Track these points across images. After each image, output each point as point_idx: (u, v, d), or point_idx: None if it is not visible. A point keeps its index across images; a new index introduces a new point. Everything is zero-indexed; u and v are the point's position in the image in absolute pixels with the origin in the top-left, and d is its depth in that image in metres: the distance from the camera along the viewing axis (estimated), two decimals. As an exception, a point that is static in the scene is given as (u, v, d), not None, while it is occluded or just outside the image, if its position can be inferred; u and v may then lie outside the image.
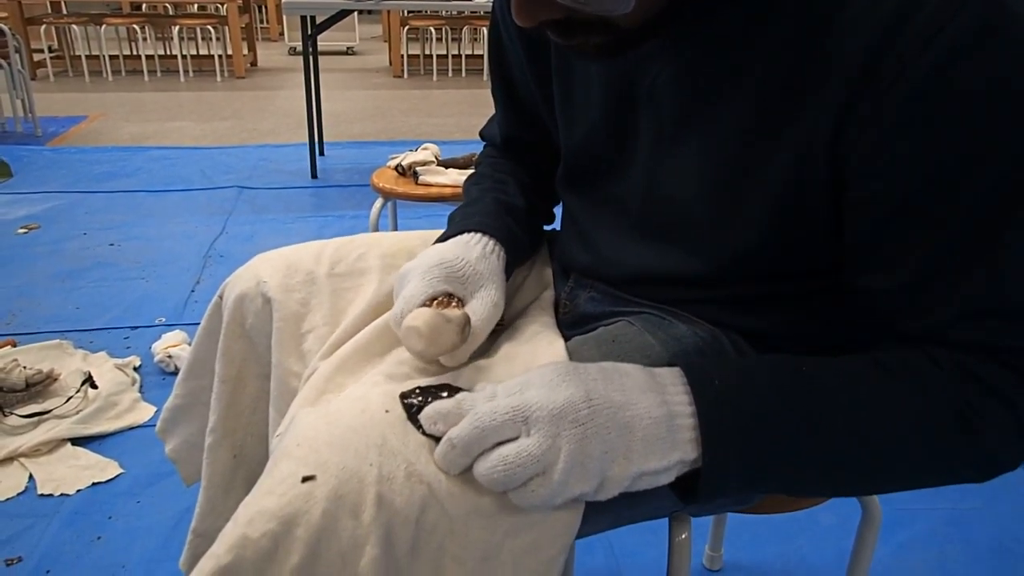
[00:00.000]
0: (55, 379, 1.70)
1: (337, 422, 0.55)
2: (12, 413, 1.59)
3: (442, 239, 0.75)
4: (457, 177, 1.92)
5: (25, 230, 2.74)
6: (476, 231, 0.74)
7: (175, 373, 1.78)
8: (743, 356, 0.68)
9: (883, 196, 0.54)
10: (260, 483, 0.52)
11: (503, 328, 0.77)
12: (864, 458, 0.55)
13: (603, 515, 0.61)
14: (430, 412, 0.55)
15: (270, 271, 0.81)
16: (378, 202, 1.96)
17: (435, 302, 0.66)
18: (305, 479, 0.50)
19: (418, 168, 1.95)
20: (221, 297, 0.84)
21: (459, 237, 0.74)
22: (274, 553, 0.49)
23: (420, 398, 0.57)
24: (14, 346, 1.87)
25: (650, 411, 0.52)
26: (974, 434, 0.54)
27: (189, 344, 1.85)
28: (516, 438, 0.51)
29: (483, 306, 0.67)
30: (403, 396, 0.58)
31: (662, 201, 0.68)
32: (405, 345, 0.64)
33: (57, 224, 2.81)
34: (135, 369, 1.83)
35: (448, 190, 1.88)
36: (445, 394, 0.57)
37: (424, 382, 0.60)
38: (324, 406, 0.60)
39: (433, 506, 0.52)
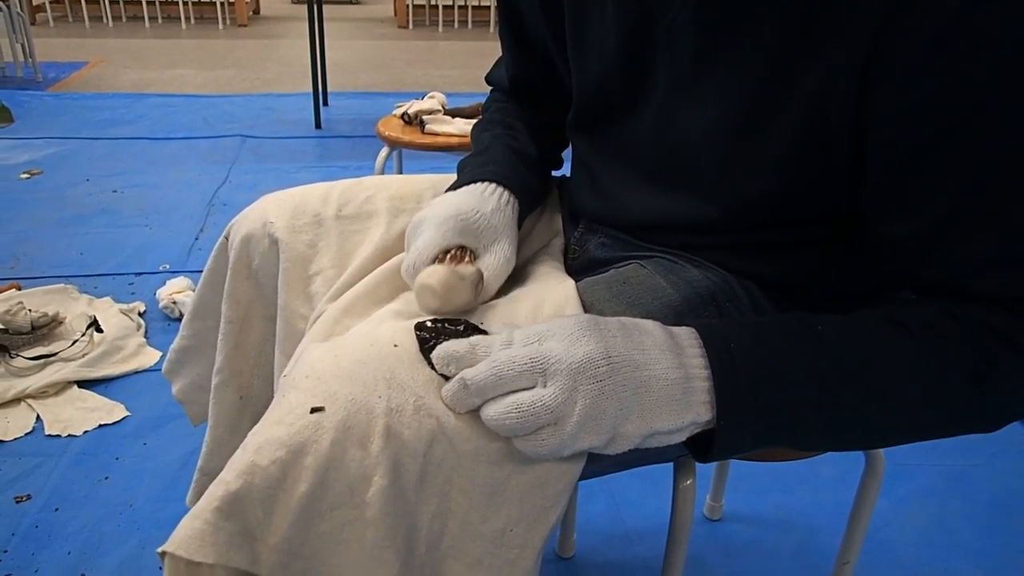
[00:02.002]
0: (60, 322, 1.70)
1: (346, 355, 0.55)
2: (18, 355, 1.60)
3: (455, 187, 0.74)
4: (464, 127, 1.90)
5: (28, 175, 2.73)
6: (491, 181, 0.72)
7: (180, 319, 1.78)
8: (755, 302, 0.68)
9: (906, 140, 0.53)
10: (268, 413, 0.52)
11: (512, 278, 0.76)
12: (877, 417, 0.55)
13: (607, 455, 0.61)
14: (442, 353, 0.54)
15: (277, 212, 0.80)
16: (384, 151, 1.94)
17: (448, 256, 0.66)
18: (314, 410, 0.50)
19: (425, 117, 1.92)
20: (227, 238, 0.83)
21: (474, 186, 0.72)
22: (283, 481, 0.49)
23: (434, 333, 0.56)
24: (19, 289, 1.87)
25: (667, 372, 0.52)
26: (987, 389, 0.54)
27: (194, 290, 1.85)
28: (531, 387, 0.51)
29: (496, 261, 0.66)
30: (418, 327, 0.57)
31: (677, 145, 0.67)
32: (418, 302, 0.63)
33: (59, 170, 2.79)
34: (140, 314, 1.83)
35: (455, 139, 1.85)
36: (461, 327, 0.57)
37: (442, 317, 0.60)
38: (332, 341, 0.60)
39: (441, 440, 0.52)
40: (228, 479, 0.49)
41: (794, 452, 0.79)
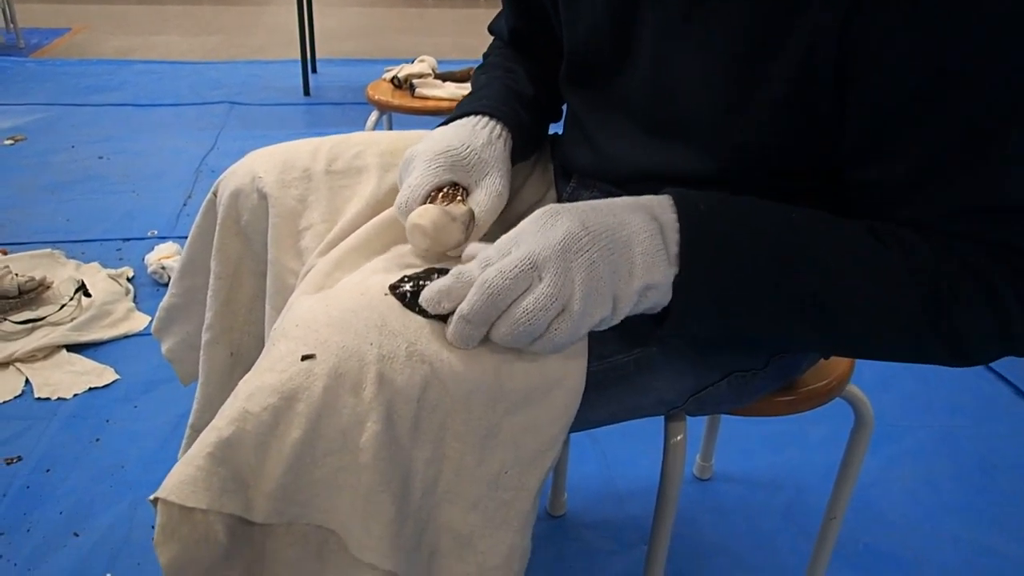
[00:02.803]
0: (48, 287, 1.69)
1: (336, 304, 0.54)
2: (6, 319, 1.58)
3: (448, 121, 0.74)
4: (455, 91, 1.88)
5: (11, 141, 2.69)
6: (483, 114, 0.72)
7: (168, 284, 1.77)
8: None
9: (890, 85, 0.53)
10: (259, 362, 0.52)
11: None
12: (834, 305, 0.55)
13: (601, 403, 0.62)
14: (430, 293, 0.54)
15: (266, 167, 0.79)
16: (373, 115, 1.91)
17: (440, 194, 0.66)
18: (304, 358, 0.50)
19: (415, 81, 1.90)
20: (215, 194, 0.82)
21: (466, 119, 0.72)
22: (275, 427, 0.49)
23: (411, 284, 0.56)
24: (4, 254, 1.85)
25: (644, 226, 0.53)
26: (945, 310, 0.54)
27: (182, 256, 1.84)
28: (527, 289, 0.51)
29: (487, 196, 0.66)
30: (392, 288, 0.57)
31: (666, 97, 0.66)
32: (410, 242, 0.63)
33: (44, 136, 2.75)
34: (128, 280, 1.82)
35: (445, 103, 1.83)
36: (435, 276, 0.56)
37: (410, 271, 0.59)
38: (322, 293, 0.59)
39: (435, 385, 0.52)
40: (220, 426, 0.48)
41: (782, 406, 0.80)
